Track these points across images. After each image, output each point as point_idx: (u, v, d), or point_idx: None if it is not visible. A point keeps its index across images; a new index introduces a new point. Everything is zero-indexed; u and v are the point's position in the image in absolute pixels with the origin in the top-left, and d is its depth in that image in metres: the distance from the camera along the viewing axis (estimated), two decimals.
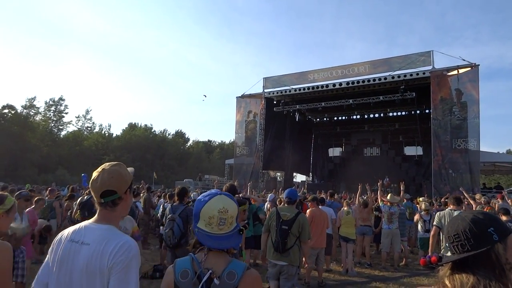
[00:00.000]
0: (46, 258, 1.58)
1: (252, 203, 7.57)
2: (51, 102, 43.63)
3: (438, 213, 5.22)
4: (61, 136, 44.92)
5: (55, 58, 77.63)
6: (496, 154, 22.42)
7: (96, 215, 1.59)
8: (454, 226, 1.19)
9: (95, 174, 1.59)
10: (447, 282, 1.16)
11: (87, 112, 50.33)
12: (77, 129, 47.45)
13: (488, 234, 1.13)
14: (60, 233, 1.62)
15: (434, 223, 5.06)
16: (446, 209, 5.30)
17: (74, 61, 78.87)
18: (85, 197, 6.07)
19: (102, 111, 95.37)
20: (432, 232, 5.06)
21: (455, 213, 4.80)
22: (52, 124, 44.09)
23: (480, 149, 17.60)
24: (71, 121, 46.65)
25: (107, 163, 1.64)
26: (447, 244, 1.23)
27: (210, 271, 1.38)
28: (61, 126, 45.02)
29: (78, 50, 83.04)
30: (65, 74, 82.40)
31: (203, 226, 1.49)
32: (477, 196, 9.40)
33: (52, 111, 43.92)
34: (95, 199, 1.59)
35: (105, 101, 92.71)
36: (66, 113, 44.98)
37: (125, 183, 1.60)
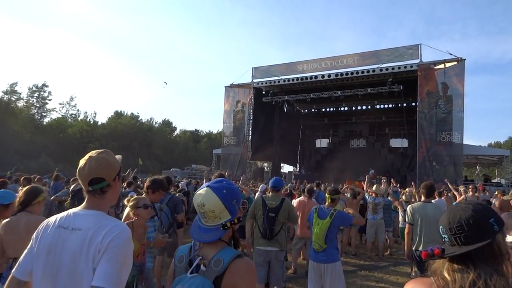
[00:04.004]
0: (29, 246, 1.53)
1: (242, 193, 7.58)
2: (34, 88, 42.53)
3: (409, 207, 4.80)
4: (44, 123, 43.91)
5: (38, 42, 75.46)
6: (478, 147, 22.92)
7: (85, 202, 1.56)
8: (455, 217, 1.17)
9: (82, 161, 1.55)
10: (446, 274, 1.15)
11: (72, 99, 49.39)
12: (61, 116, 46.44)
13: (490, 225, 1.13)
14: (46, 220, 1.57)
15: (407, 220, 4.72)
16: (417, 203, 4.93)
17: (58, 46, 76.85)
18: (78, 186, 5.95)
19: (87, 99, 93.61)
20: (406, 230, 4.73)
21: (429, 206, 4.62)
22: (35, 111, 43.07)
23: (464, 142, 17.97)
24: (55, 108, 45.65)
25: (94, 151, 1.60)
26: (444, 236, 1.21)
27: (199, 257, 1.40)
28: (44, 113, 44.04)
29: (63, 35, 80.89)
30: (48, 60, 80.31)
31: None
32: (461, 187, 9.61)
33: (35, 97, 42.86)
34: (83, 187, 1.55)
35: (91, 88, 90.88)
36: (50, 100, 44.04)
37: (113, 170, 1.57)
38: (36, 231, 1.54)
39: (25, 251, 1.53)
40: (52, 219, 1.55)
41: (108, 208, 1.60)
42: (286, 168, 33.06)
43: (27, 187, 3.10)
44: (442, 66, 18.18)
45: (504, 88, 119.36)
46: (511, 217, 4.42)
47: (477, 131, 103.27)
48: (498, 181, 22.64)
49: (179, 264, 1.47)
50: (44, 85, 43.14)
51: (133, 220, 3.34)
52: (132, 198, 3.48)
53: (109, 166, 1.56)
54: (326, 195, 4.59)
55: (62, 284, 1.40)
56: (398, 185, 11.17)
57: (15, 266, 1.51)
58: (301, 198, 6.95)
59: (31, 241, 1.53)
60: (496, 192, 10.41)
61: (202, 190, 1.49)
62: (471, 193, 9.13)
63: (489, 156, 22.80)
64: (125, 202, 3.48)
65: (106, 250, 1.37)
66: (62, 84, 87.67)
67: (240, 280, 1.36)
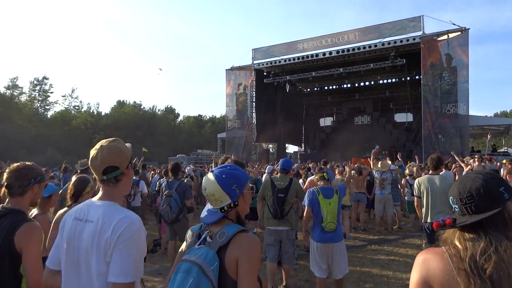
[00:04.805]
0: (56, 239, 1.60)
1: (249, 175, 7.63)
2: (35, 82, 42.43)
3: (416, 180, 4.94)
4: (49, 116, 44.03)
5: (34, 35, 74.86)
6: (484, 118, 22.67)
7: (100, 192, 1.58)
8: (466, 187, 1.18)
9: (93, 151, 1.55)
10: (457, 243, 1.17)
11: (73, 90, 49.27)
12: (64, 108, 46.46)
13: (500, 193, 1.14)
14: (66, 213, 1.63)
15: (415, 193, 4.89)
16: (424, 176, 5.03)
17: (55, 38, 76.24)
18: None
19: (89, 90, 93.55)
20: (415, 203, 4.92)
21: (435, 178, 4.68)
22: (38, 104, 43.05)
23: (469, 113, 17.81)
24: (58, 100, 45.59)
25: (104, 140, 1.60)
26: (455, 206, 1.23)
27: (207, 231, 1.51)
28: (47, 106, 43.99)
29: (59, 26, 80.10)
30: (46, 53, 79.85)
31: None
32: (468, 159, 9.58)
33: (37, 91, 42.75)
34: (96, 177, 1.57)
35: (92, 79, 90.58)
36: (52, 93, 43.88)
37: (125, 159, 1.58)
38: (61, 222, 1.59)
39: (53, 244, 1.60)
40: (72, 210, 1.59)
41: (122, 197, 1.62)
42: (291, 149, 33.14)
43: (74, 180, 3.09)
44: (445, 37, 17.85)
45: (509, 56, 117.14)
46: None
47: (483, 102, 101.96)
48: (505, 150, 22.51)
49: (190, 240, 1.57)
50: (44, 78, 42.99)
51: None
52: None
53: (122, 154, 1.56)
54: (317, 175, 4.61)
55: (83, 276, 1.45)
56: (401, 160, 11.19)
57: (48, 257, 1.59)
58: (312, 177, 6.98)
59: (58, 235, 1.59)
60: (504, 161, 10.35)
61: (207, 176, 1.61)
62: (477, 162, 9.09)
63: (496, 126, 22.60)
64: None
65: (116, 244, 1.38)
66: (62, 76, 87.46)
67: (244, 252, 1.41)
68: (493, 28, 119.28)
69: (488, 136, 15.82)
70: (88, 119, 45.83)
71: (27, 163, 2.13)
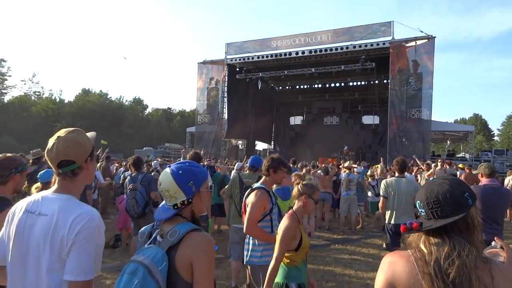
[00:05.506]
0: (1, 232, 1.49)
1: (217, 171, 7.56)
2: None
3: (384, 181, 4.99)
4: (5, 101, 41.58)
5: None
6: (445, 124, 23.86)
7: (55, 185, 1.49)
8: (433, 192, 1.21)
9: (50, 142, 1.47)
10: (422, 247, 1.20)
11: (34, 75, 46.81)
12: (23, 93, 44.05)
13: (465, 199, 1.18)
14: (15, 204, 1.51)
15: (381, 193, 4.89)
16: (391, 178, 5.13)
17: (14, 18, 71.97)
18: (33, 168, 5.71)
19: (51, 75, 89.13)
20: (380, 204, 4.91)
21: (402, 181, 4.81)
22: None
23: (432, 119, 18.64)
24: (16, 85, 43.22)
25: (63, 130, 1.51)
26: (421, 210, 1.25)
27: (157, 230, 1.47)
28: (4, 90, 41.53)
29: (19, 4, 75.66)
30: (5, 34, 75.21)
31: None
32: (430, 163, 10.05)
33: None
34: (53, 169, 1.48)
35: (55, 64, 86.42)
36: (10, 76, 41.49)
37: (84, 152, 1.49)
38: (7, 215, 1.49)
39: None
40: (21, 203, 1.49)
41: (80, 191, 1.53)
42: (261, 146, 33.26)
43: None
44: (413, 43, 18.52)
45: (469, 66, 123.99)
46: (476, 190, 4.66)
47: (444, 108, 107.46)
48: (463, 155, 23.80)
49: (141, 239, 1.53)
50: (2, 60, 40.53)
51: (296, 208, 2.77)
52: (305, 183, 2.86)
53: (79, 147, 1.47)
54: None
55: (30, 271, 1.37)
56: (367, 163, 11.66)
57: None
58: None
59: (3, 227, 1.48)
60: (461, 165, 10.95)
61: (165, 170, 1.57)
62: (439, 166, 9.56)
63: (456, 132, 23.83)
64: (295, 180, 2.92)
65: (74, 242, 1.32)
66: (23, 60, 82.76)
67: (195, 252, 1.36)
68: (456, 37, 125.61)
69: (448, 142, 16.63)
70: (49, 106, 43.73)
71: (8, 154, 2.28)
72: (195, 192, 1.50)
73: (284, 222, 2.67)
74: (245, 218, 3.23)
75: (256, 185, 3.37)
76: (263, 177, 3.44)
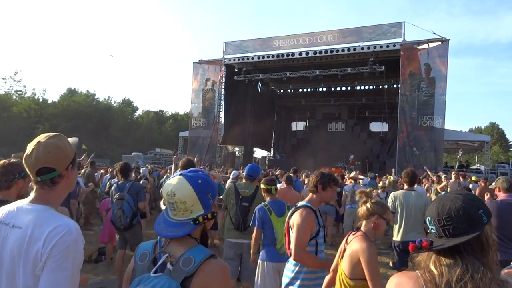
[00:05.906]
0: None
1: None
2: None
3: (391, 194, 5.04)
4: None
5: None
6: (459, 133, 23.91)
7: (33, 193, 1.48)
8: (445, 208, 1.20)
9: (29, 147, 1.46)
10: (432, 268, 1.19)
11: (16, 73, 46.74)
12: (4, 92, 44.07)
13: (479, 216, 1.17)
14: None
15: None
16: (399, 191, 5.17)
17: None
18: None
19: (35, 74, 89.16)
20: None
21: (411, 194, 4.81)
22: None
23: (445, 127, 18.66)
24: None
25: (44, 135, 1.51)
26: (432, 227, 1.24)
27: (166, 255, 1.34)
28: None
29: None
30: None
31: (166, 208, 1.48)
32: (441, 174, 10.02)
33: None
34: (31, 177, 1.47)
35: (39, 62, 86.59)
36: None
37: (65, 158, 1.49)
38: None
39: None
40: None
41: (60, 201, 1.53)
42: (259, 153, 33.24)
43: None
44: (425, 46, 18.61)
45: (485, 71, 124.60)
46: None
47: (458, 116, 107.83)
48: (478, 167, 23.81)
49: (141, 263, 1.40)
50: None
51: (366, 229, 2.67)
52: (374, 202, 2.72)
53: (60, 153, 1.47)
54: (262, 185, 4.30)
55: (3, 286, 1.37)
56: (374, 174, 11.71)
57: None
58: (280, 185, 6.97)
59: None
60: (474, 178, 10.92)
61: (174, 179, 1.45)
62: (453, 178, 9.50)
63: (470, 141, 23.86)
64: (360, 198, 2.78)
65: (49, 257, 1.30)
66: (4, 56, 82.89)
67: (213, 284, 1.31)
68: (472, 40, 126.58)
69: (460, 152, 16.61)
70: (31, 106, 43.70)
71: (12, 160, 2.57)
72: (212, 204, 1.44)
73: (362, 245, 2.48)
74: (292, 243, 3.02)
75: (301, 203, 3.19)
76: (310, 194, 3.21)
